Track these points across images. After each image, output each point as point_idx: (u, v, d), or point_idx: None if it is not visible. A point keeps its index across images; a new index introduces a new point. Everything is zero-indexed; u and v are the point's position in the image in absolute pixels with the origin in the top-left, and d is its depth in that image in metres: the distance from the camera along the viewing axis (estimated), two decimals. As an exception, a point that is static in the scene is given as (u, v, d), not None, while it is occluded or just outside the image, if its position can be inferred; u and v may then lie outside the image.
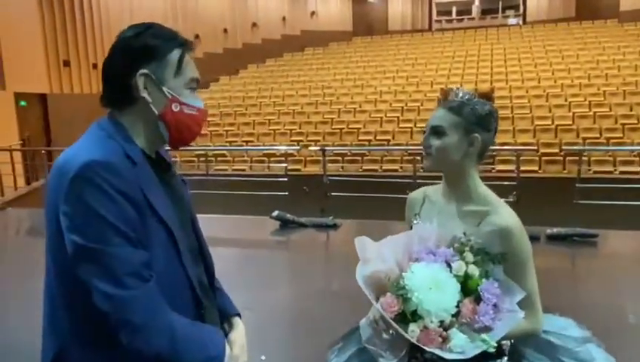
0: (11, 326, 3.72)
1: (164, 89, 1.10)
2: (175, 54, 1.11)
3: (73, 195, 0.97)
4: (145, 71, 1.08)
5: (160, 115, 1.11)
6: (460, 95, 1.43)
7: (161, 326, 1.00)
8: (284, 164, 8.44)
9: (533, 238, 5.36)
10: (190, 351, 1.04)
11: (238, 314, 1.40)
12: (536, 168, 10.32)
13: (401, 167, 10.78)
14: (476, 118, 1.41)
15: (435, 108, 1.47)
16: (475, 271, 1.27)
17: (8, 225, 7.44)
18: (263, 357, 3.09)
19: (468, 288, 1.27)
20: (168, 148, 1.27)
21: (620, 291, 4.33)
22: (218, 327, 1.28)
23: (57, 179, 1.01)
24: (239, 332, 1.32)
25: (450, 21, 23.79)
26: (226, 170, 11.34)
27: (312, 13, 23.09)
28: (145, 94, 1.08)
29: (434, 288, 1.22)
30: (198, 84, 1.17)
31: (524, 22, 22.32)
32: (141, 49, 1.08)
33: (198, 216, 1.31)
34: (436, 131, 1.42)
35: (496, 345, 1.21)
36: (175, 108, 1.10)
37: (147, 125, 1.12)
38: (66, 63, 13.82)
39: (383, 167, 11.23)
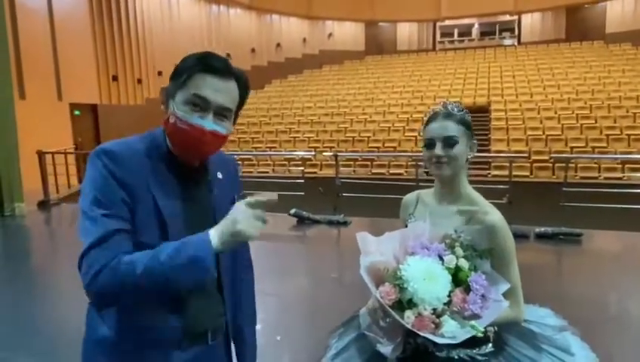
0: (63, 312, 3.77)
1: (170, 102, 1.09)
2: (190, 75, 1.08)
3: (86, 169, 1.06)
4: (163, 86, 1.14)
5: (163, 124, 1.12)
6: (456, 109, 1.41)
7: (121, 269, 0.95)
8: (302, 168, 8.44)
9: (523, 236, 5.34)
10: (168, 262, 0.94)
11: None
12: (527, 173, 10.18)
13: (406, 171, 10.72)
14: (470, 127, 1.41)
15: (434, 121, 1.40)
16: (464, 263, 1.24)
17: (62, 218, 7.56)
18: (279, 338, 3.08)
19: (458, 279, 1.24)
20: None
21: (601, 285, 4.24)
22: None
23: None
24: None
25: (452, 42, 23.60)
26: (251, 172, 11.40)
27: (329, 34, 23.13)
28: (162, 106, 1.12)
29: (428, 279, 1.20)
30: (206, 103, 1.07)
31: (519, 43, 22.05)
32: (174, 70, 1.11)
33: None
34: (449, 142, 1.36)
35: (483, 330, 1.18)
36: (171, 119, 1.08)
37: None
38: (115, 78, 14.08)
39: (390, 171, 11.18)
